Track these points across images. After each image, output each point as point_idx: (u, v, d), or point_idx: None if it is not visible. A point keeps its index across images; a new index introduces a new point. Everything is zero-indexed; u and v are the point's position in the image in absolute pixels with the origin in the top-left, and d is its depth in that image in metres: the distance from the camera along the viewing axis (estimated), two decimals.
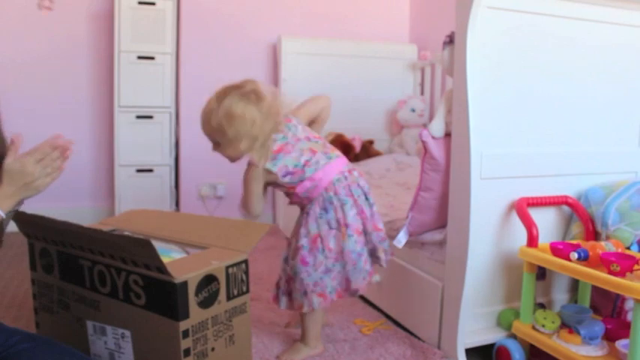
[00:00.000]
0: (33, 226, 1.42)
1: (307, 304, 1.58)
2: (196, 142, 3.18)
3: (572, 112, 1.75)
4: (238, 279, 1.35)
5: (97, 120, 3.28)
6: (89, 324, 1.36)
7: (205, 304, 1.26)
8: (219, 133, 1.54)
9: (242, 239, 1.43)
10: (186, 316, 1.20)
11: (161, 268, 1.18)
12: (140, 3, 3.00)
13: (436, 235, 1.76)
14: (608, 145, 1.83)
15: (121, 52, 3.00)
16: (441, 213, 1.71)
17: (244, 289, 1.38)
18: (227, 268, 1.32)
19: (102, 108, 3.27)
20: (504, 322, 1.70)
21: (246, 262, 1.38)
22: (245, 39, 3.24)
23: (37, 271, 1.48)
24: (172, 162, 3.23)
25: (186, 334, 1.20)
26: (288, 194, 1.66)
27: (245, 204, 1.68)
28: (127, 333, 1.28)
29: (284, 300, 1.65)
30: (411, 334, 1.83)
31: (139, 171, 3.14)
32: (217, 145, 1.59)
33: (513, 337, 1.65)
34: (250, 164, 1.60)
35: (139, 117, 3.10)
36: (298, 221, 1.64)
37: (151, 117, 3.13)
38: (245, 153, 1.57)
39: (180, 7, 3.12)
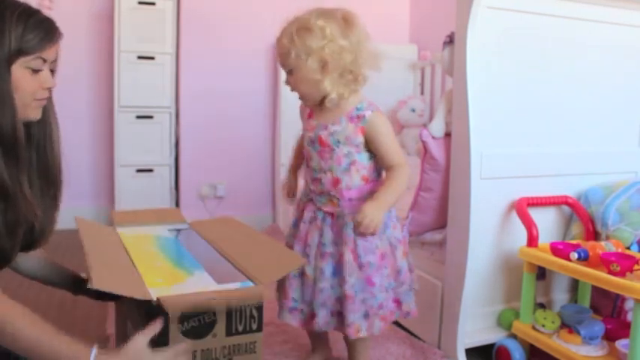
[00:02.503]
0: None
1: (367, 328, 1.38)
2: (196, 142, 3.22)
3: (572, 112, 1.75)
4: (245, 314, 1.18)
5: (97, 120, 3.28)
6: (128, 324, 1.28)
7: (194, 334, 1.11)
8: (287, 51, 1.31)
9: (270, 267, 1.25)
10: (164, 344, 1.07)
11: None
12: (140, 3, 3.00)
13: (436, 235, 1.76)
14: (608, 145, 1.83)
15: (121, 52, 3.00)
16: (441, 213, 1.71)
17: (254, 326, 1.18)
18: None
19: (102, 108, 3.27)
20: (504, 322, 1.70)
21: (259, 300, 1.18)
22: (245, 39, 3.24)
23: None
24: (172, 162, 3.23)
25: None
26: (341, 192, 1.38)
27: (401, 159, 1.37)
28: None
29: (331, 321, 1.41)
30: (411, 334, 1.83)
31: (139, 171, 3.14)
32: (289, 74, 1.35)
33: (513, 337, 1.65)
34: (375, 113, 1.35)
35: (139, 117, 3.10)
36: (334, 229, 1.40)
37: (151, 117, 3.13)
38: (317, 80, 1.32)
39: (180, 7, 3.12)
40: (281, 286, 1.46)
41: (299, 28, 1.30)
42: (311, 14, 1.33)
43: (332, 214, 1.40)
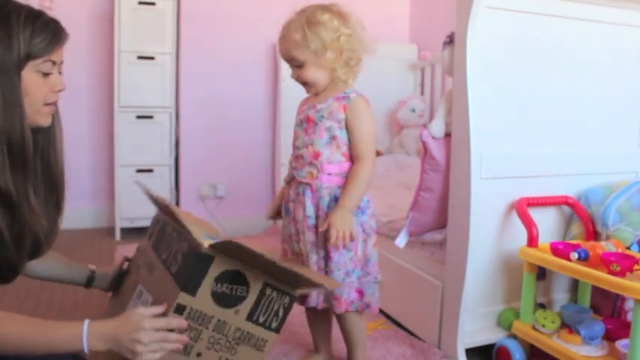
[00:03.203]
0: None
1: (319, 302, 1.45)
2: (196, 142, 3.22)
3: (572, 112, 1.75)
4: (272, 307, 1.16)
5: (97, 120, 3.28)
6: (139, 287, 1.26)
7: (220, 300, 1.10)
8: (301, 46, 1.38)
9: (323, 279, 1.24)
10: (191, 290, 1.06)
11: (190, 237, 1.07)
12: (140, 3, 3.00)
13: (436, 235, 1.76)
14: (608, 145, 1.83)
15: (121, 52, 3.00)
16: (441, 213, 1.71)
17: (274, 324, 1.17)
18: (265, 285, 1.15)
19: (102, 108, 3.27)
20: (504, 322, 1.70)
21: (292, 298, 1.18)
22: (245, 39, 3.24)
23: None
24: (172, 162, 3.23)
25: (180, 309, 1.06)
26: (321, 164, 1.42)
27: (368, 153, 1.41)
28: (150, 299, 1.17)
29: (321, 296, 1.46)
30: (411, 334, 1.83)
31: (139, 171, 3.13)
32: (298, 68, 1.42)
33: (513, 337, 1.65)
34: (360, 97, 1.43)
35: (139, 117, 3.09)
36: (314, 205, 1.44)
37: (151, 117, 3.13)
38: (333, 69, 1.41)
39: (180, 7, 3.12)
40: None
41: (310, 23, 1.37)
42: (313, 10, 1.40)
43: (311, 187, 1.43)
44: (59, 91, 1.09)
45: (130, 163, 3.11)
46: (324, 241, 1.41)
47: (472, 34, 1.53)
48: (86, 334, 0.99)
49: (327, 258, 1.42)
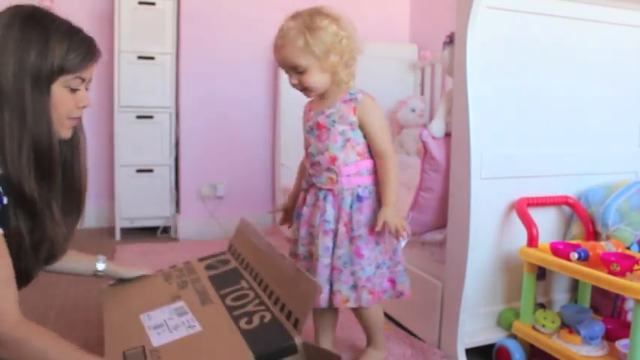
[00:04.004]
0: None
1: (355, 299, 1.44)
2: (196, 142, 3.22)
3: (572, 112, 1.75)
4: None
5: (97, 120, 3.28)
6: (180, 303, 1.28)
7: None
8: (304, 52, 1.38)
9: (297, 301, 1.16)
10: None
11: (297, 323, 1.08)
12: (140, 3, 3.00)
13: (436, 235, 1.76)
14: (608, 145, 1.83)
15: (121, 52, 3.00)
16: (441, 213, 1.71)
17: None
18: None
19: (102, 108, 3.27)
20: (504, 322, 1.70)
21: None
22: (245, 39, 3.24)
23: None
24: (172, 162, 3.23)
25: None
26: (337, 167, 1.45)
27: (388, 148, 1.46)
28: (197, 327, 1.17)
29: (325, 289, 1.45)
30: (411, 334, 1.83)
31: (139, 171, 3.14)
32: (300, 74, 1.42)
33: (513, 337, 1.65)
34: (366, 95, 1.45)
35: (139, 117, 3.10)
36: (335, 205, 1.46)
37: (151, 117, 3.13)
38: (335, 72, 1.42)
39: (180, 7, 3.12)
40: None
41: (310, 29, 1.38)
42: (309, 15, 1.41)
43: (332, 192, 1.45)
44: (84, 107, 1.11)
45: (130, 163, 3.11)
46: (350, 240, 1.43)
47: (472, 34, 1.53)
48: None
49: (357, 256, 1.43)
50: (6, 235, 0.99)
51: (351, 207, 1.44)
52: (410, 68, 3.44)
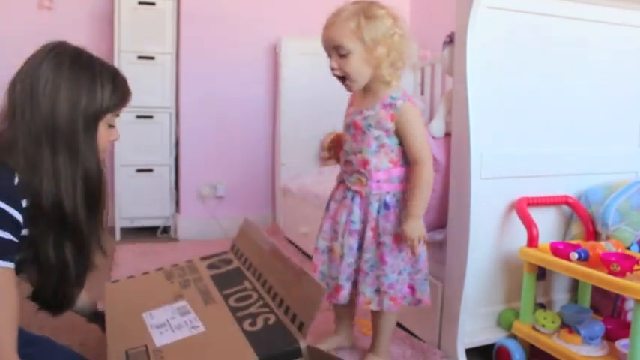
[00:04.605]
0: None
1: (377, 302, 1.47)
2: (196, 142, 3.22)
3: (572, 112, 1.75)
4: None
5: None
6: (182, 302, 1.28)
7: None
8: (353, 35, 1.34)
9: (302, 304, 1.15)
10: None
11: (302, 326, 1.08)
12: (140, 3, 3.00)
13: (436, 235, 1.76)
14: (608, 145, 1.83)
15: (121, 52, 3.00)
16: (441, 213, 1.71)
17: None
18: None
19: None
20: (504, 322, 1.70)
21: None
22: (245, 39, 3.24)
23: None
24: (172, 162, 3.23)
25: None
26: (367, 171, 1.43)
27: (424, 155, 1.42)
28: (200, 326, 1.18)
29: (347, 287, 1.46)
30: (411, 334, 1.83)
31: (139, 171, 3.14)
32: (342, 57, 1.37)
33: (513, 337, 1.65)
34: (406, 102, 1.40)
35: (139, 117, 3.10)
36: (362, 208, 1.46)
37: (151, 117, 3.13)
38: (378, 65, 1.37)
39: (180, 7, 3.12)
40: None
41: (366, 15, 1.35)
42: (369, 4, 1.38)
43: (360, 194, 1.46)
44: (113, 141, 1.16)
45: (130, 163, 3.11)
46: (377, 245, 1.45)
47: (472, 34, 1.53)
48: None
49: (381, 262, 1.45)
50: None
51: (378, 212, 1.45)
52: (410, 68, 3.44)
